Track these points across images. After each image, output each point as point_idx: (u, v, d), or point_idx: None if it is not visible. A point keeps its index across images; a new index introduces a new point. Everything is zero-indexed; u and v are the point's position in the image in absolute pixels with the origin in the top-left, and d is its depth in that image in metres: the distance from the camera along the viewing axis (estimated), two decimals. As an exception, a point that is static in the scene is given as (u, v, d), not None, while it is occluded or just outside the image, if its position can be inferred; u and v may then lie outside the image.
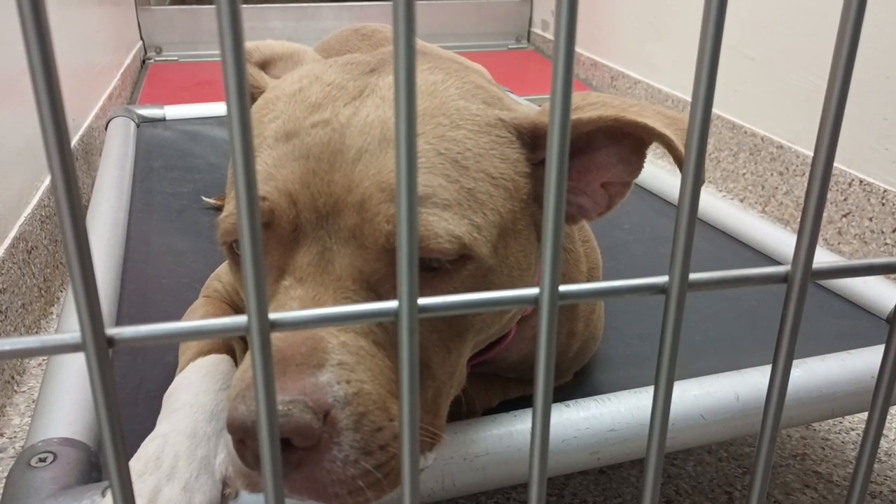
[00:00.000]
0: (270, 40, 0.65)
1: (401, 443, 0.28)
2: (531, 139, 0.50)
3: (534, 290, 0.28)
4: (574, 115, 0.49)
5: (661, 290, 0.30)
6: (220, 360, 0.61)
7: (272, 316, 0.26)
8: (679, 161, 0.46)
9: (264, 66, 0.65)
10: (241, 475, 0.42)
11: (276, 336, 0.41)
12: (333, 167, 0.45)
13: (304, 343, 0.41)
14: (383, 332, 0.44)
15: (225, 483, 0.51)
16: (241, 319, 0.26)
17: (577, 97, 0.51)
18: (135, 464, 0.49)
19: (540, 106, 0.58)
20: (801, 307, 0.31)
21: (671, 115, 0.50)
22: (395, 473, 0.43)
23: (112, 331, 0.25)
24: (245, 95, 0.22)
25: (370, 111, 0.47)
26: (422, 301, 0.27)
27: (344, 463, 0.40)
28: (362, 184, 0.44)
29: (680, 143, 0.47)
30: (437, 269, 0.45)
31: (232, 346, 0.64)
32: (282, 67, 0.61)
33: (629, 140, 0.51)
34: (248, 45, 0.62)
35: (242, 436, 0.39)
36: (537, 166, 0.51)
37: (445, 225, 0.44)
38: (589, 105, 0.50)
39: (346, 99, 0.48)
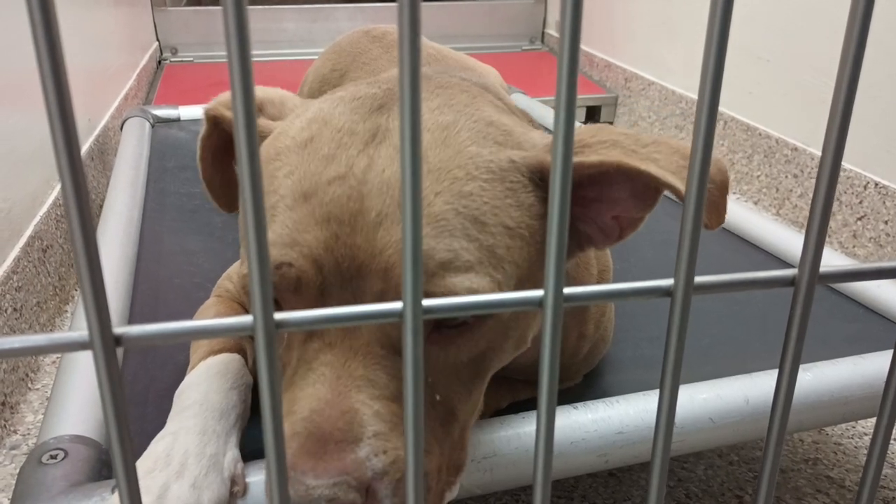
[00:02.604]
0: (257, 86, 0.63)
1: (405, 443, 0.28)
2: (542, 180, 0.50)
3: (538, 293, 0.28)
4: (579, 157, 0.48)
5: (666, 292, 0.30)
6: (230, 360, 0.61)
7: (278, 316, 0.26)
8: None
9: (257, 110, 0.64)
10: None
11: (313, 411, 0.42)
12: (355, 230, 0.45)
13: (340, 418, 0.42)
14: None
15: (233, 481, 0.51)
16: (247, 319, 0.26)
17: (587, 132, 0.50)
18: (144, 461, 0.50)
19: (553, 108, 0.57)
20: (807, 311, 0.31)
21: (687, 154, 0.49)
22: None
23: (119, 329, 0.25)
24: (251, 101, 0.23)
25: (385, 165, 0.46)
26: (426, 303, 0.27)
27: None
28: (385, 251, 0.44)
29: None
30: (461, 325, 0.46)
31: (243, 345, 0.65)
32: (272, 112, 0.60)
33: (644, 177, 0.49)
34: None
35: None
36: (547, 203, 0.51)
37: (469, 285, 0.45)
38: (599, 143, 0.49)
39: (358, 145, 0.48)
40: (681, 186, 0.46)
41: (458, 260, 0.45)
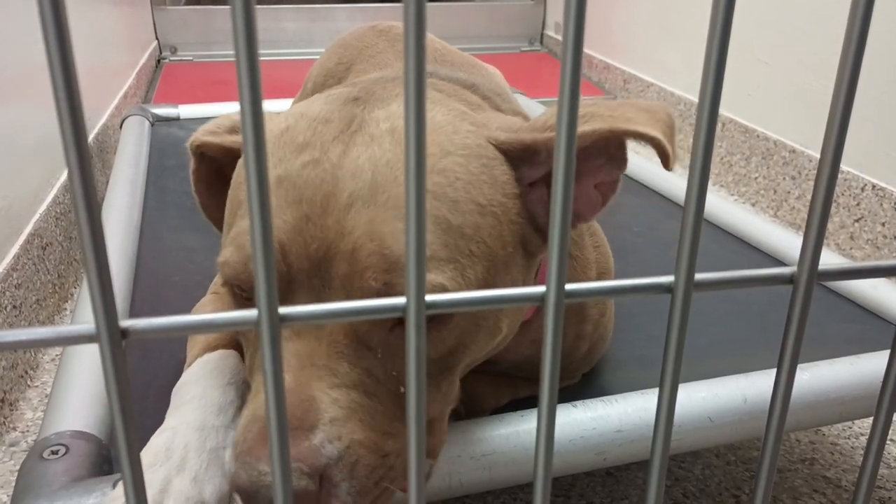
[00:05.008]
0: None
1: (408, 444, 0.28)
2: (518, 159, 0.51)
3: (540, 289, 0.29)
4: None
5: (667, 289, 0.30)
6: (227, 355, 0.61)
7: (282, 310, 0.26)
8: (667, 159, 0.48)
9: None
10: None
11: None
12: (326, 211, 0.45)
13: (299, 406, 0.43)
14: (374, 381, 0.46)
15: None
16: (251, 313, 0.26)
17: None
18: (145, 455, 0.50)
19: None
20: (806, 308, 0.31)
21: (650, 109, 0.50)
22: (388, 493, 0.46)
23: (125, 322, 0.25)
24: (258, 92, 0.23)
25: (360, 151, 0.47)
26: (429, 298, 0.28)
27: None
28: (354, 232, 0.44)
29: (668, 142, 0.48)
30: (428, 318, 0.46)
31: (239, 341, 0.65)
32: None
33: (613, 140, 0.51)
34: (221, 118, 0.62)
35: (247, 500, 0.42)
36: (524, 184, 0.52)
37: (431, 277, 0.45)
38: (581, 118, 0.50)
39: (333, 132, 0.48)
40: (662, 137, 0.48)
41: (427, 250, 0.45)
